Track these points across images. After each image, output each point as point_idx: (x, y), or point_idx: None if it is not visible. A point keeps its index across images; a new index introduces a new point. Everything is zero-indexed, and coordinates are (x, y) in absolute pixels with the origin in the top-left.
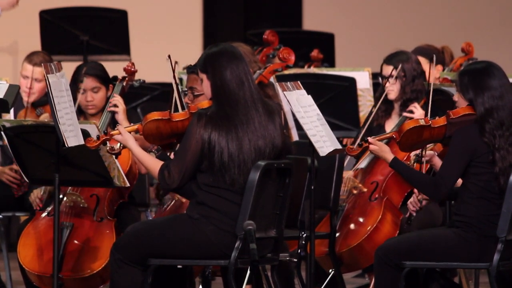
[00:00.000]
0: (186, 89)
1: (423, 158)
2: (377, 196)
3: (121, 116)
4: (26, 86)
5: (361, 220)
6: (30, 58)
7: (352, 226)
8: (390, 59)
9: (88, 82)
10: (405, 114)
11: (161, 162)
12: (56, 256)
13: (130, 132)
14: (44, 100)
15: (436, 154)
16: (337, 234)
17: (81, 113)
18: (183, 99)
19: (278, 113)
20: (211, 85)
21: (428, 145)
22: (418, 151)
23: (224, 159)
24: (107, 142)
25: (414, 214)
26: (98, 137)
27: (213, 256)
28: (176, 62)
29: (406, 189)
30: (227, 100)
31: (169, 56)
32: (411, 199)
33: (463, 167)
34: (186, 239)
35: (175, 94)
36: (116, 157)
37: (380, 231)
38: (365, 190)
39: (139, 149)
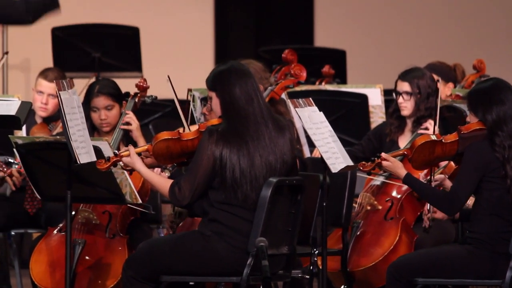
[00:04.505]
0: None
1: (432, 183)
2: (393, 216)
3: (136, 133)
4: (41, 102)
5: (377, 240)
6: (45, 74)
7: (367, 245)
8: (405, 75)
9: (101, 101)
10: (420, 131)
11: (170, 181)
12: (68, 273)
13: (140, 153)
14: (57, 116)
15: (447, 177)
16: (351, 251)
17: (94, 129)
18: (198, 111)
19: (288, 129)
20: (220, 102)
21: (438, 169)
22: (428, 176)
23: (236, 175)
24: (118, 163)
25: (431, 225)
26: (108, 159)
27: (225, 273)
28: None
29: (420, 209)
30: (237, 116)
31: (168, 77)
32: (426, 218)
33: (476, 182)
34: (198, 256)
35: (180, 112)
36: (130, 173)
37: (396, 252)
38: (380, 207)
39: (147, 171)
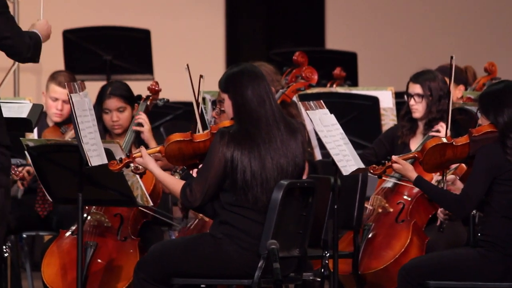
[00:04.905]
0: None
1: (444, 184)
2: (404, 218)
3: (147, 135)
4: (57, 108)
5: (388, 242)
6: (57, 80)
7: (378, 248)
8: (416, 78)
9: (113, 102)
10: (431, 133)
11: (182, 182)
12: (80, 276)
13: (152, 154)
14: (69, 119)
15: (458, 178)
16: (362, 253)
17: (106, 131)
18: (209, 113)
19: (300, 132)
20: (232, 104)
21: (449, 170)
22: (440, 177)
23: (247, 177)
24: (130, 164)
25: (446, 222)
26: (120, 160)
27: (236, 275)
28: (201, 76)
29: (431, 211)
30: (249, 118)
31: (187, 66)
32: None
33: (488, 184)
34: (209, 258)
35: (195, 105)
36: (141, 177)
37: (407, 255)
38: (391, 210)
39: (160, 171)
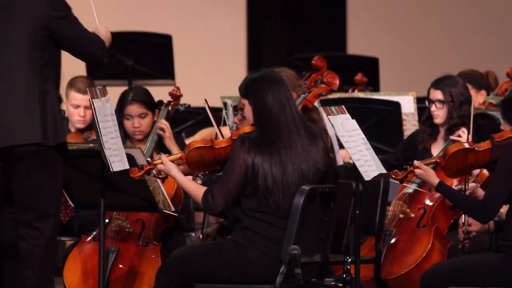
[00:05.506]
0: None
1: (466, 192)
2: (425, 223)
3: (169, 142)
4: (79, 115)
5: (409, 248)
6: (76, 86)
7: (400, 253)
8: (437, 83)
9: (135, 108)
10: (452, 137)
11: (204, 188)
12: (101, 281)
13: (173, 161)
14: (91, 124)
15: (479, 185)
16: (384, 259)
17: (126, 137)
18: (232, 120)
19: (321, 137)
20: (253, 110)
21: (470, 178)
22: (461, 185)
23: (268, 183)
24: (151, 171)
25: (467, 244)
26: (141, 167)
27: (258, 281)
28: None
29: (453, 216)
30: (269, 124)
31: (206, 101)
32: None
33: (510, 189)
34: (231, 263)
35: (214, 125)
36: (163, 182)
37: (429, 260)
38: (413, 215)
39: (183, 177)
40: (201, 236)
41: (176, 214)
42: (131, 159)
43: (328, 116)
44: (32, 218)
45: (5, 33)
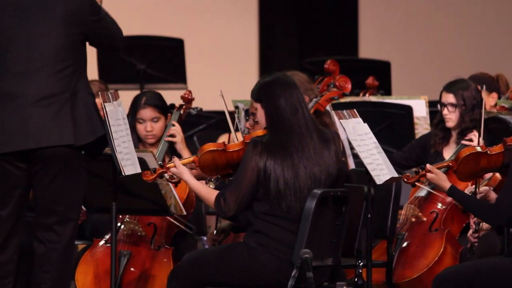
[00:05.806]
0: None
1: (478, 195)
2: (437, 227)
3: (180, 146)
4: None
5: (421, 251)
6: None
7: (412, 257)
8: (450, 87)
9: (148, 112)
10: (464, 142)
11: (216, 192)
12: (113, 285)
13: (186, 164)
14: None
15: (492, 189)
16: (395, 262)
17: (139, 140)
18: (244, 125)
19: (333, 141)
20: (265, 113)
21: (482, 181)
22: (472, 188)
23: (280, 186)
24: (164, 174)
25: (476, 244)
26: (154, 170)
27: (269, 284)
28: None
29: (465, 220)
30: (281, 128)
31: (221, 93)
32: (470, 232)
33: None
34: (242, 267)
35: (230, 126)
36: (176, 186)
37: (441, 264)
38: (425, 219)
39: (195, 181)
40: (215, 232)
41: (188, 230)
42: (142, 162)
43: (340, 120)
44: (52, 222)
45: (41, 38)
